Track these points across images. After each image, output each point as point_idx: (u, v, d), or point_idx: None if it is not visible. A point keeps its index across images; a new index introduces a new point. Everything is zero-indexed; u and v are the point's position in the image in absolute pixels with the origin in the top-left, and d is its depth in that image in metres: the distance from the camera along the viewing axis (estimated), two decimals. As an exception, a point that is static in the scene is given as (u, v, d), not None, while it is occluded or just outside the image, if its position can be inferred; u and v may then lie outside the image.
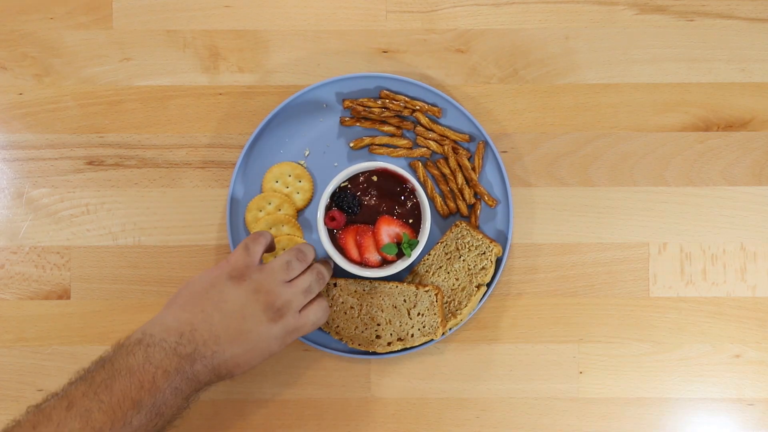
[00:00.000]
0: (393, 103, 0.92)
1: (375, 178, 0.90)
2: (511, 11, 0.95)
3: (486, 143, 0.92)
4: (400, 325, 0.90)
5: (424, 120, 0.92)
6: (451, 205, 0.93)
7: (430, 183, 0.93)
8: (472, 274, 0.90)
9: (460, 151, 0.92)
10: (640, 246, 0.94)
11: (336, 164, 0.93)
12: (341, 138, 0.93)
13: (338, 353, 0.91)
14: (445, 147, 0.92)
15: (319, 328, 0.92)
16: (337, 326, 0.91)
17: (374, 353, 0.91)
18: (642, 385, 0.93)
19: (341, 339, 0.91)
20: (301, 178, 0.93)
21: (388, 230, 0.89)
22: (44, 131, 0.95)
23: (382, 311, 0.91)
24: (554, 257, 0.94)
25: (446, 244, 0.92)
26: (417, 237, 0.89)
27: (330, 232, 0.89)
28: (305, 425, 0.94)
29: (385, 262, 0.90)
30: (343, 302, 0.91)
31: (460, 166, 0.92)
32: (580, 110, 0.95)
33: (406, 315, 0.90)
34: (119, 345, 0.76)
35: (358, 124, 0.93)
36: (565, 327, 0.94)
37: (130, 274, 0.94)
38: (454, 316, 0.90)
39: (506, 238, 0.91)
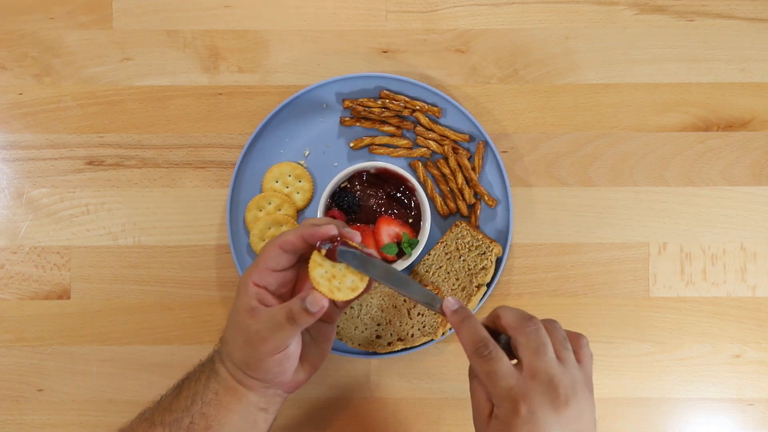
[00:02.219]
0: (393, 103, 0.92)
1: (370, 180, 0.90)
2: (511, 11, 0.95)
3: (486, 143, 0.92)
4: (400, 325, 0.90)
5: (424, 120, 0.92)
6: (451, 205, 0.93)
7: (430, 183, 0.93)
8: (472, 274, 0.90)
9: (460, 151, 0.92)
10: (640, 246, 0.94)
11: (336, 164, 0.93)
12: (341, 138, 0.93)
13: (338, 353, 0.91)
14: (445, 147, 0.92)
15: (319, 328, 0.92)
16: (337, 326, 0.91)
17: (374, 353, 0.91)
18: (642, 385, 0.93)
19: (341, 339, 0.91)
20: (301, 178, 0.93)
21: (388, 230, 0.89)
22: (44, 131, 0.95)
23: (382, 311, 0.91)
24: (554, 257, 0.94)
25: (446, 244, 0.92)
26: (417, 237, 0.89)
27: (330, 232, 0.89)
28: (305, 425, 0.94)
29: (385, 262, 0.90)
30: (343, 302, 0.91)
31: (460, 166, 0.92)
32: (580, 110, 0.95)
33: (406, 315, 0.90)
34: None
35: (358, 124, 0.93)
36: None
37: (130, 274, 0.94)
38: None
39: (506, 238, 0.91)
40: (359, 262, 0.70)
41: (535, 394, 0.65)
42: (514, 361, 0.68)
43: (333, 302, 0.72)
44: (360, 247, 0.71)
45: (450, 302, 0.70)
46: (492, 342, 0.67)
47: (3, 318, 0.94)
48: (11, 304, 0.94)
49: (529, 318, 0.69)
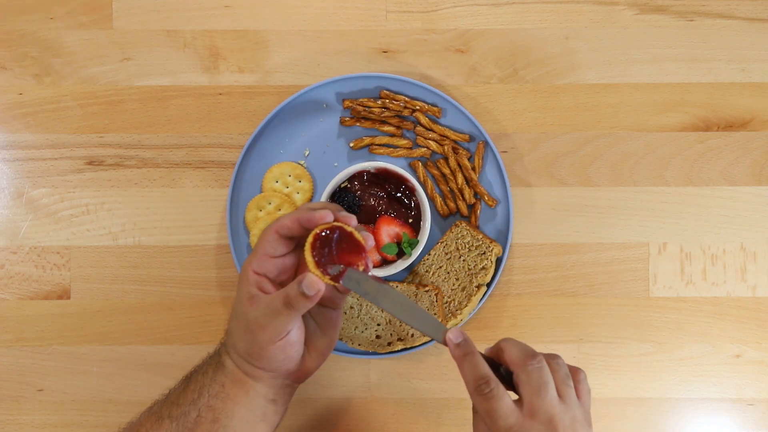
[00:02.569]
0: (393, 103, 0.92)
1: (371, 179, 0.90)
2: (511, 11, 0.95)
3: (486, 143, 0.92)
4: (400, 325, 0.90)
5: (424, 120, 0.92)
6: (451, 205, 0.93)
7: (430, 183, 0.93)
8: (472, 274, 0.90)
9: (460, 151, 0.92)
10: (640, 246, 0.94)
11: (336, 164, 0.93)
12: (341, 138, 0.93)
13: (338, 353, 0.91)
14: (445, 147, 0.92)
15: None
16: (337, 326, 0.91)
17: (374, 353, 0.91)
18: (642, 385, 0.93)
19: (341, 339, 0.91)
20: (301, 178, 0.93)
21: (388, 230, 0.89)
22: (44, 131, 0.95)
23: (382, 311, 0.91)
24: (554, 257, 0.94)
25: (446, 244, 0.92)
26: (417, 237, 0.89)
27: (330, 232, 0.89)
28: (305, 425, 0.94)
29: (385, 262, 0.90)
30: (343, 302, 0.91)
31: (460, 166, 0.92)
32: (580, 110, 0.95)
33: (406, 315, 0.90)
34: None
35: (358, 124, 0.93)
36: (565, 327, 0.94)
37: (130, 274, 0.94)
38: (454, 316, 0.90)
39: (506, 238, 0.91)
40: (364, 290, 0.69)
41: None
42: (516, 397, 0.68)
43: (336, 287, 0.72)
44: (355, 231, 0.70)
45: (454, 334, 0.69)
46: (493, 379, 0.67)
47: (3, 318, 0.94)
48: (11, 304, 0.94)
49: (533, 355, 0.68)
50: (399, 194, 0.90)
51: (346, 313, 0.91)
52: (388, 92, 0.92)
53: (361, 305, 0.91)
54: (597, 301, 0.94)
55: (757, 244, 0.94)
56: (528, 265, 0.94)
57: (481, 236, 0.90)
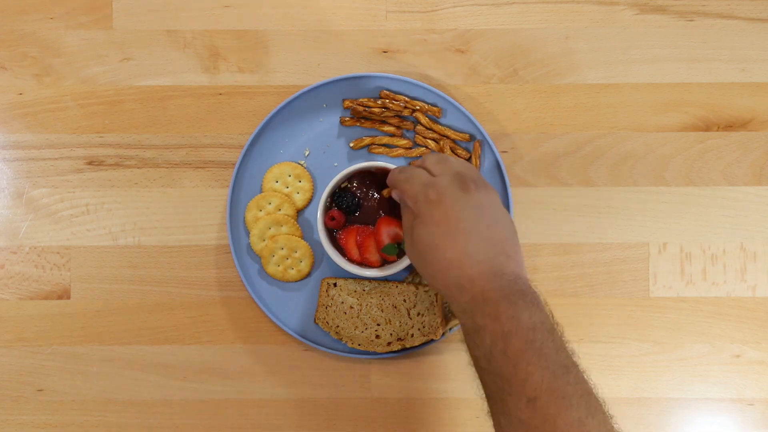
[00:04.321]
0: (393, 103, 0.92)
1: (371, 179, 0.90)
2: (511, 11, 0.95)
3: (482, 142, 0.92)
4: (400, 325, 0.90)
5: (424, 120, 0.92)
6: (451, 205, 0.93)
7: (430, 183, 0.93)
8: (472, 274, 0.90)
9: (459, 151, 0.92)
10: (640, 246, 0.94)
11: (336, 164, 0.93)
12: (341, 138, 0.93)
13: (338, 353, 0.91)
14: (442, 144, 0.92)
15: (319, 328, 0.92)
16: (337, 326, 0.91)
17: (374, 353, 0.91)
18: (642, 385, 0.93)
19: (341, 339, 0.91)
20: (301, 178, 0.93)
21: (388, 230, 0.89)
22: (44, 131, 0.95)
23: (382, 311, 0.91)
24: (554, 257, 0.94)
25: (446, 244, 0.92)
26: (417, 237, 0.89)
27: (330, 232, 0.89)
28: (305, 425, 0.94)
29: (385, 262, 0.90)
30: (343, 302, 0.91)
31: (460, 166, 0.92)
32: (580, 110, 0.95)
33: (406, 315, 0.90)
34: None
35: (358, 124, 0.93)
36: (565, 327, 0.93)
37: (130, 274, 0.94)
38: (455, 316, 0.90)
39: (506, 238, 0.91)
40: None
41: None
42: None
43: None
44: None
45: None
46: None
47: (3, 318, 0.94)
48: (11, 304, 0.94)
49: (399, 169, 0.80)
50: (399, 194, 0.90)
51: (345, 313, 0.91)
52: (388, 92, 0.92)
53: (360, 305, 0.91)
54: (597, 301, 0.94)
55: (757, 244, 0.94)
56: (528, 265, 0.94)
57: (481, 236, 0.90)
